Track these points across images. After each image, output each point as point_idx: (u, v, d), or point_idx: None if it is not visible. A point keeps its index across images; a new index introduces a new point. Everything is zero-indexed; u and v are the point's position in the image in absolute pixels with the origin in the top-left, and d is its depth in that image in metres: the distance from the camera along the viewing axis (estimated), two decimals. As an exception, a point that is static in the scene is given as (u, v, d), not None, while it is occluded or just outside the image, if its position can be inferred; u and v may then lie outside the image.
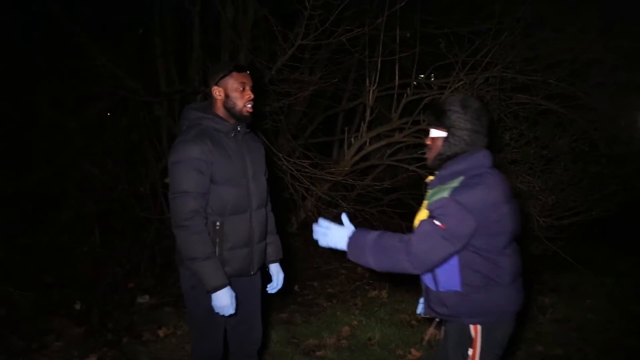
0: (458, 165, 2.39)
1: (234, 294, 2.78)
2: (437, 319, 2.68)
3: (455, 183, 2.33)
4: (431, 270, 2.42)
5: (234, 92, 2.82)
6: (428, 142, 2.51)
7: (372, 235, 2.40)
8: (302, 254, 6.75)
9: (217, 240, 2.79)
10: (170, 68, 7.13)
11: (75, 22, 6.35)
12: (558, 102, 6.19)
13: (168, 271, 5.93)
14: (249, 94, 2.85)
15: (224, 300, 2.73)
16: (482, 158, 2.41)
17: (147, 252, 6.19)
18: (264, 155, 3.12)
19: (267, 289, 3.20)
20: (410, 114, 6.45)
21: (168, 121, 6.95)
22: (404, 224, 7.06)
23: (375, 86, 6.11)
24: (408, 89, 6.35)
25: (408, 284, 6.10)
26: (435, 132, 2.46)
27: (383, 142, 6.67)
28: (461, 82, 6.00)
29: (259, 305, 3.18)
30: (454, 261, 2.37)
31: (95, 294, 5.44)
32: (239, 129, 2.88)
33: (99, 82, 6.55)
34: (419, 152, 6.56)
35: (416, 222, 2.45)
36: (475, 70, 6.05)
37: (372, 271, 6.57)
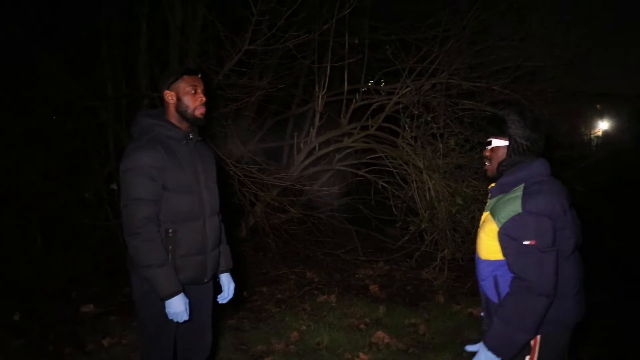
0: (520, 173, 2.42)
1: (187, 301, 2.76)
2: None
3: (518, 192, 2.36)
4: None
5: (186, 95, 2.79)
6: (487, 153, 2.54)
7: (499, 324, 2.33)
8: (250, 259, 6.71)
9: (170, 247, 2.75)
10: (117, 72, 7.01)
11: (18, 24, 6.17)
12: (502, 108, 6.31)
13: (113, 279, 5.80)
14: (201, 97, 2.82)
15: (177, 307, 2.71)
16: (541, 166, 2.44)
17: (91, 259, 6.05)
18: (215, 163, 3.10)
19: (218, 299, 3.16)
20: (359, 119, 6.51)
21: (114, 126, 6.82)
22: (353, 228, 7.12)
23: (324, 91, 6.15)
24: (357, 94, 6.41)
25: (356, 289, 6.15)
26: (497, 142, 2.49)
27: (332, 147, 6.71)
28: (408, 88, 6.10)
29: (210, 313, 3.15)
30: None
31: (35, 304, 5.28)
32: (191, 136, 2.86)
33: (41, 86, 6.37)
34: (368, 156, 6.63)
35: (483, 232, 2.47)
36: (422, 77, 6.16)
37: (320, 276, 6.59)
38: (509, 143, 2.44)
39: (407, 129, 6.23)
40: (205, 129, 2.95)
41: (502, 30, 6.39)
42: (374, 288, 6.16)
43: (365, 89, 6.86)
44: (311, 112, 7.34)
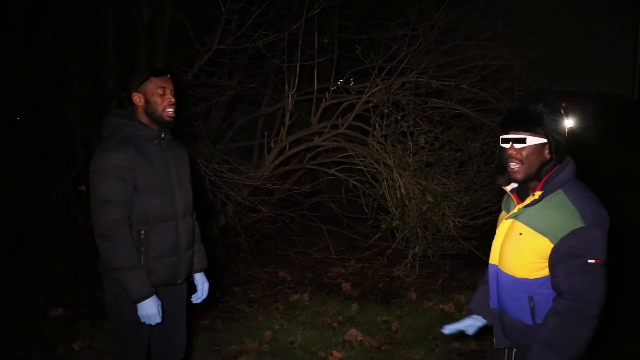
0: (560, 176, 2.15)
1: (160, 303, 2.73)
2: (515, 349, 2.41)
3: (560, 198, 2.12)
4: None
5: (154, 97, 2.75)
6: (514, 152, 2.18)
7: (546, 352, 2.11)
8: (222, 260, 6.68)
9: (142, 249, 2.72)
10: (83, 72, 6.91)
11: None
12: (470, 107, 6.42)
13: (82, 282, 5.72)
14: (170, 98, 2.79)
15: (149, 310, 2.68)
16: (574, 167, 2.19)
17: (60, 262, 5.95)
18: (188, 163, 3.06)
19: (192, 299, 3.14)
20: (329, 118, 6.52)
21: (81, 127, 6.72)
22: (324, 227, 7.13)
23: (294, 91, 6.15)
24: (327, 93, 6.42)
25: (328, 287, 6.17)
26: (532, 140, 2.14)
27: (303, 147, 6.72)
28: (378, 87, 6.14)
29: (184, 315, 3.12)
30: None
31: (2, 308, 5.17)
32: (162, 136, 2.82)
33: (5, 85, 6.24)
34: (338, 155, 6.65)
35: (519, 247, 2.21)
36: (391, 76, 6.20)
37: (293, 275, 6.59)
38: (549, 141, 2.14)
39: (377, 127, 6.27)
40: (175, 128, 2.91)
41: (469, 30, 6.46)
42: (346, 286, 6.19)
43: (335, 88, 6.87)
44: (281, 111, 7.32)
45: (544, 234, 2.11)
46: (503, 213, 2.42)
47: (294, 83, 6.13)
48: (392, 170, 6.16)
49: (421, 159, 6.18)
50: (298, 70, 6.10)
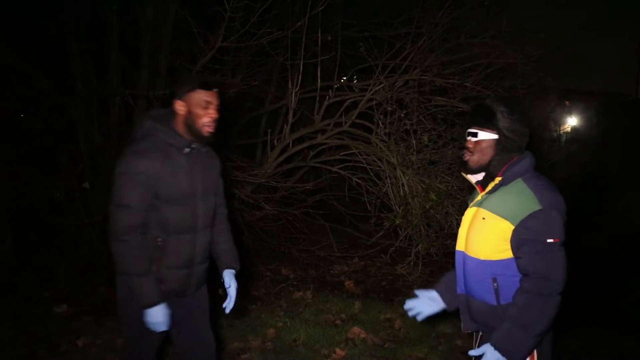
0: (516, 167, 2.31)
1: (167, 312, 2.69)
2: (480, 332, 2.54)
3: (519, 186, 2.27)
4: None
5: (197, 109, 2.67)
6: (470, 145, 2.39)
7: (514, 327, 2.20)
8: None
9: (157, 255, 2.70)
10: (87, 69, 6.91)
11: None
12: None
13: (86, 279, 5.73)
14: (212, 114, 2.70)
15: (156, 318, 2.65)
16: (533, 159, 2.36)
17: (64, 260, 5.96)
18: (218, 174, 2.99)
19: (225, 309, 3.00)
20: (333, 115, 6.52)
21: (85, 124, 6.73)
22: (327, 224, 7.13)
23: (297, 88, 6.15)
24: (330, 91, 6.42)
25: (332, 285, 6.17)
26: (483, 134, 2.36)
27: (306, 144, 6.72)
28: (381, 85, 6.14)
29: (206, 319, 3.07)
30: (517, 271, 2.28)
31: (7, 305, 5.18)
32: (193, 146, 2.76)
33: (9, 83, 6.25)
34: (341, 153, 6.65)
35: (482, 231, 2.34)
36: (395, 73, 6.20)
37: (296, 272, 6.59)
38: (499, 137, 2.33)
39: (380, 125, 6.27)
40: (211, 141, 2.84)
41: (473, 28, 6.45)
42: (349, 284, 6.20)
43: (339, 85, 6.88)
44: (284, 109, 7.33)
45: (505, 217, 2.25)
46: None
47: (298, 81, 6.13)
48: (395, 168, 6.16)
49: (424, 157, 6.18)
50: (301, 68, 6.10)
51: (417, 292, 2.86)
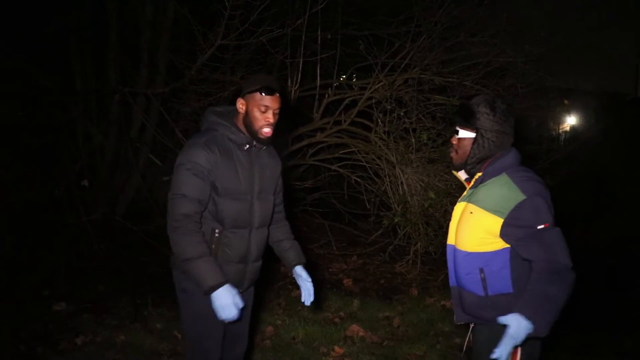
0: (498, 163, 2.41)
1: (236, 292, 2.62)
2: (472, 324, 2.61)
3: (503, 180, 2.36)
4: None
5: (254, 112, 2.69)
6: (454, 141, 2.51)
7: (531, 294, 2.24)
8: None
9: (213, 247, 2.70)
10: (86, 67, 6.91)
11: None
12: (470, 98, 6.39)
13: (86, 277, 5.72)
14: (269, 118, 2.69)
15: (223, 299, 2.57)
16: (517, 155, 2.46)
17: (63, 257, 5.96)
18: (278, 173, 2.99)
19: (304, 302, 2.98)
20: (332, 114, 6.52)
21: (84, 122, 6.73)
22: (326, 223, 7.13)
23: (297, 86, 6.14)
24: (329, 89, 6.42)
25: (330, 283, 6.17)
26: (463, 133, 2.47)
27: (305, 142, 6.71)
28: (381, 83, 6.14)
29: (247, 321, 3.07)
30: (506, 263, 2.37)
31: (6, 303, 5.18)
32: (254, 143, 2.77)
33: (8, 81, 6.24)
34: (340, 151, 6.66)
35: (469, 225, 2.43)
36: (394, 72, 6.20)
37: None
38: (476, 136, 2.43)
39: (379, 123, 6.27)
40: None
41: (473, 26, 6.45)
42: (347, 282, 6.20)
43: (338, 84, 6.88)
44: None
45: (492, 212, 2.34)
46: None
47: (297, 79, 6.12)
48: (394, 167, 6.17)
49: (423, 155, 6.18)
50: (301, 66, 6.10)
51: None
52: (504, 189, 2.33)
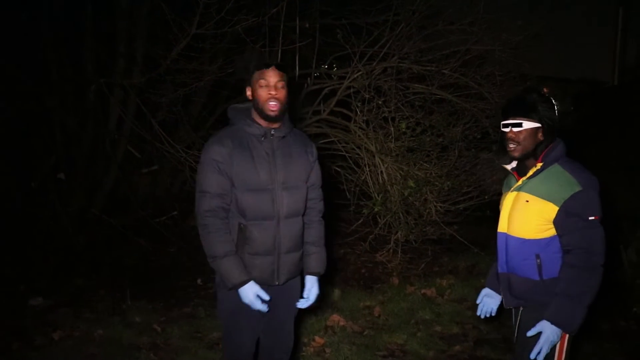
0: (554, 153, 2.54)
1: (258, 289, 2.71)
2: (522, 308, 2.71)
3: (557, 169, 2.50)
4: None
5: (257, 90, 2.70)
6: (513, 135, 2.55)
7: (565, 300, 2.43)
8: (200, 246, 6.64)
9: (240, 241, 2.73)
10: (61, 57, 6.78)
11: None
12: (452, 92, 6.43)
13: (62, 271, 5.66)
14: (271, 91, 2.68)
15: (245, 297, 2.70)
16: (564, 145, 2.58)
17: (39, 251, 5.88)
18: (311, 162, 2.96)
19: (297, 304, 3.00)
20: (311, 103, 6.49)
21: (60, 112, 6.61)
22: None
23: (275, 76, 6.08)
24: (309, 79, 6.39)
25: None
26: (528, 124, 2.53)
27: (284, 132, 6.67)
28: (360, 72, 6.12)
29: (290, 317, 3.07)
30: (559, 248, 2.51)
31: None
32: (272, 132, 2.77)
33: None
34: (320, 141, 6.63)
35: (526, 212, 2.55)
36: (373, 61, 6.18)
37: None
38: (542, 125, 2.53)
39: (359, 113, 6.26)
40: (292, 124, 2.85)
41: (451, 15, 6.45)
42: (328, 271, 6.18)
43: (317, 73, 6.85)
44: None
45: (548, 200, 2.48)
46: (506, 192, 2.75)
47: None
48: (374, 156, 6.16)
49: (403, 144, 6.19)
50: (279, 55, 6.05)
51: (481, 296, 2.97)
52: (561, 179, 2.47)
